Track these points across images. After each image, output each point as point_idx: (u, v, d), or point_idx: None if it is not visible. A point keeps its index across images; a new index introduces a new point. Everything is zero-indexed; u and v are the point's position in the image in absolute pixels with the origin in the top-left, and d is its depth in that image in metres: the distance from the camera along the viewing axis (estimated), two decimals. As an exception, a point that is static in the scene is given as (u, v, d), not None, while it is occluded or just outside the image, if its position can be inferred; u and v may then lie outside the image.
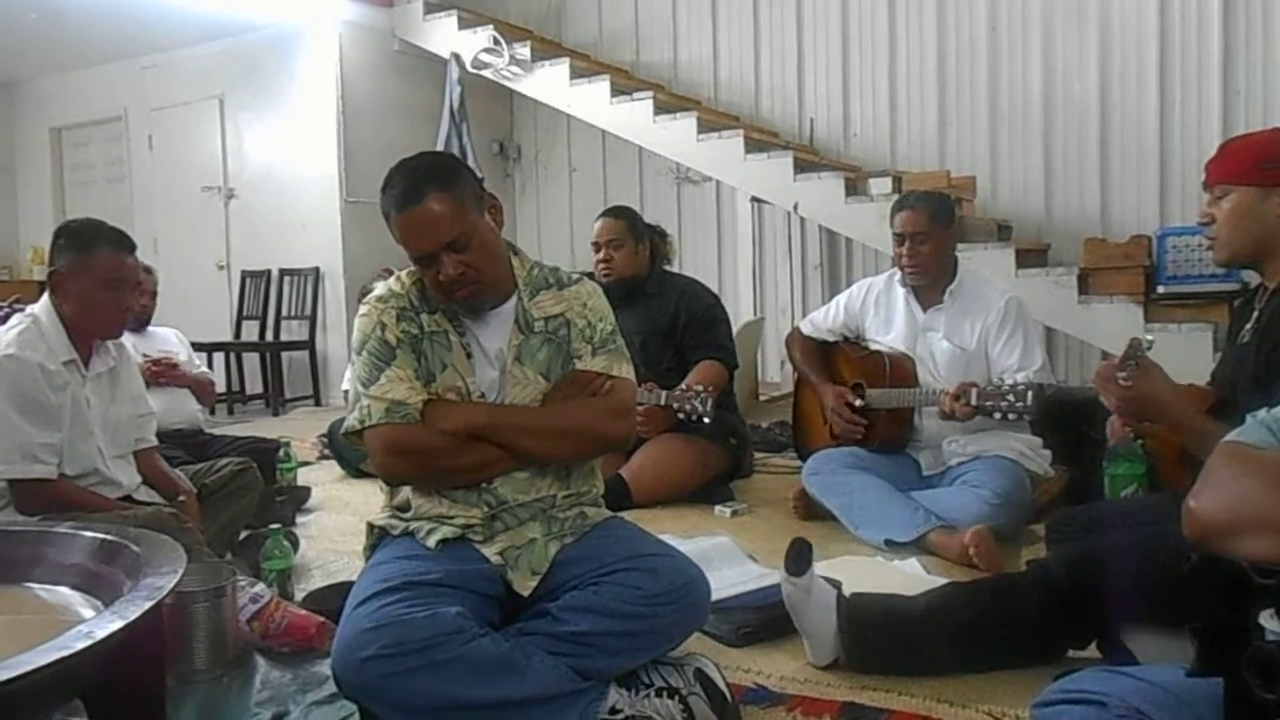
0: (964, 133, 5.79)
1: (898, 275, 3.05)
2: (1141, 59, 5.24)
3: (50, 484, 2.17)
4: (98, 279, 2.25)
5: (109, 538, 1.36)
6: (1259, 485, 1.07)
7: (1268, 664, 0.90)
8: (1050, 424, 2.96)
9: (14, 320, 2.29)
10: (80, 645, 1.01)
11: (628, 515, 2.09)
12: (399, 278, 1.87)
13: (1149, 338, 1.91)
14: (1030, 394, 2.59)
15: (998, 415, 2.64)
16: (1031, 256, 4.86)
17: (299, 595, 2.32)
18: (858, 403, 3.00)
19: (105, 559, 1.33)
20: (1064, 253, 5.18)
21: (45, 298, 2.29)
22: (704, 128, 5.46)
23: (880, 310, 3.11)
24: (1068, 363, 5.45)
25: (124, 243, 2.33)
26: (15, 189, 8.03)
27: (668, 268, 3.72)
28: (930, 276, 2.97)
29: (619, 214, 3.59)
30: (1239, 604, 0.94)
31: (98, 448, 2.30)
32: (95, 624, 1.07)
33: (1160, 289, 4.47)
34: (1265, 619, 0.92)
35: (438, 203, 1.73)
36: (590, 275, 2.11)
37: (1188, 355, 3.78)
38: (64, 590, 1.35)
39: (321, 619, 1.99)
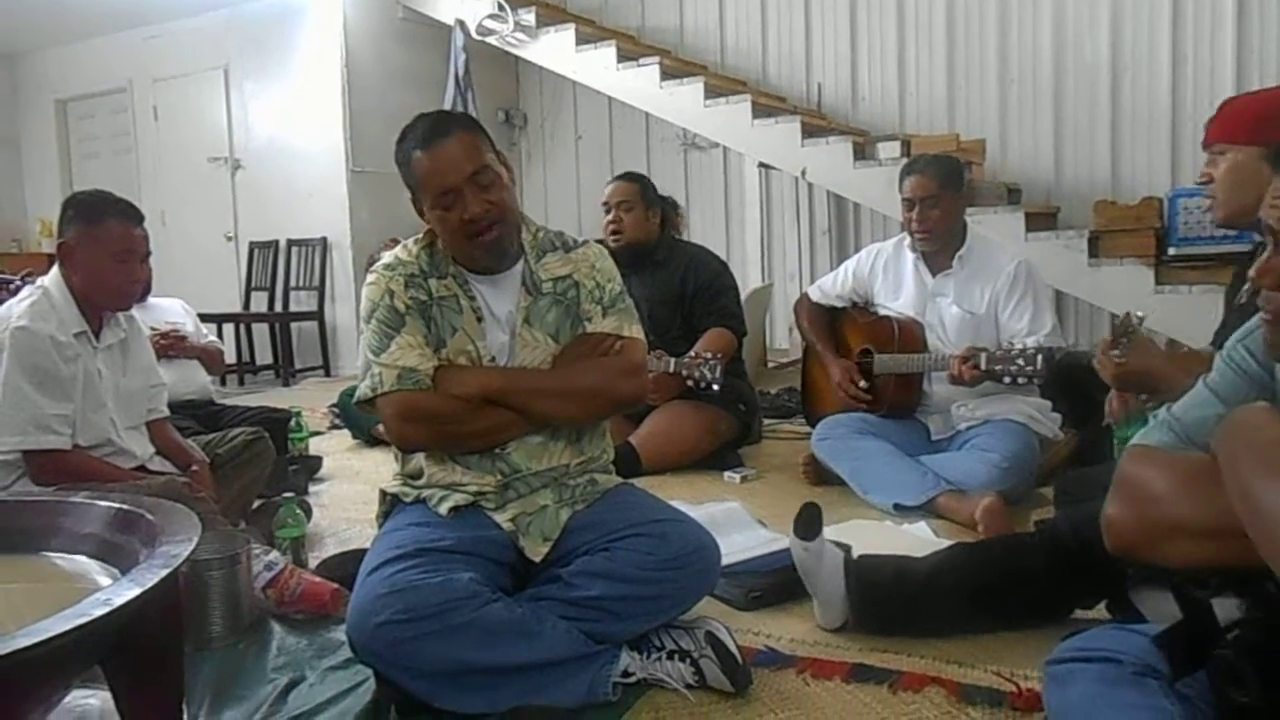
0: (973, 95, 5.73)
1: (906, 240, 3.03)
2: (1154, 18, 5.17)
3: (64, 455, 2.18)
4: (107, 250, 2.25)
5: (125, 507, 1.37)
6: (1166, 491, 1.06)
7: (1232, 669, 0.90)
8: (1059, 387, 2.95)
9: (25, 293, 2.29)
10: (99, 612, 1.03)
11: (638, 482, 2.10)
12: (405, 246, 1.87)
13: (1140, 313, 1.91)
14: (1040, 358, 2.58)
15: (1007, 380, 2.63)
16: (1041, 220, 4.82)
17: (312, 563, 2.34)
18: (862, 383, 3.00)
19: (121, 528, 1.34)
20: (1074, 216, 5.14)
21: (55, 270, 2.30)
22: (711, 93, 5.41)
23: (889, 276, 3.10)
24: (1077, 326, 5.43)
25: (132, 214, 2.33)
26: (21, 162, 8.02)
27: (677, 238, 3.71)
28: (939, 242, 2.95)
29: (632, 177, 3.60)
30: (1193, 611, 0.95)
31: (110, 419, 2.31)
32: (113, 591, 1.08)
33: (1171, 251, 4.43)
34: (1217, 606, 0.92)
35: (464, 135, 1.75)
36: (600, 242, 2.10)
37: (1199, 317, 3.74)
38: (81, 559, 1.36)
39: (335, 586, 2.01)
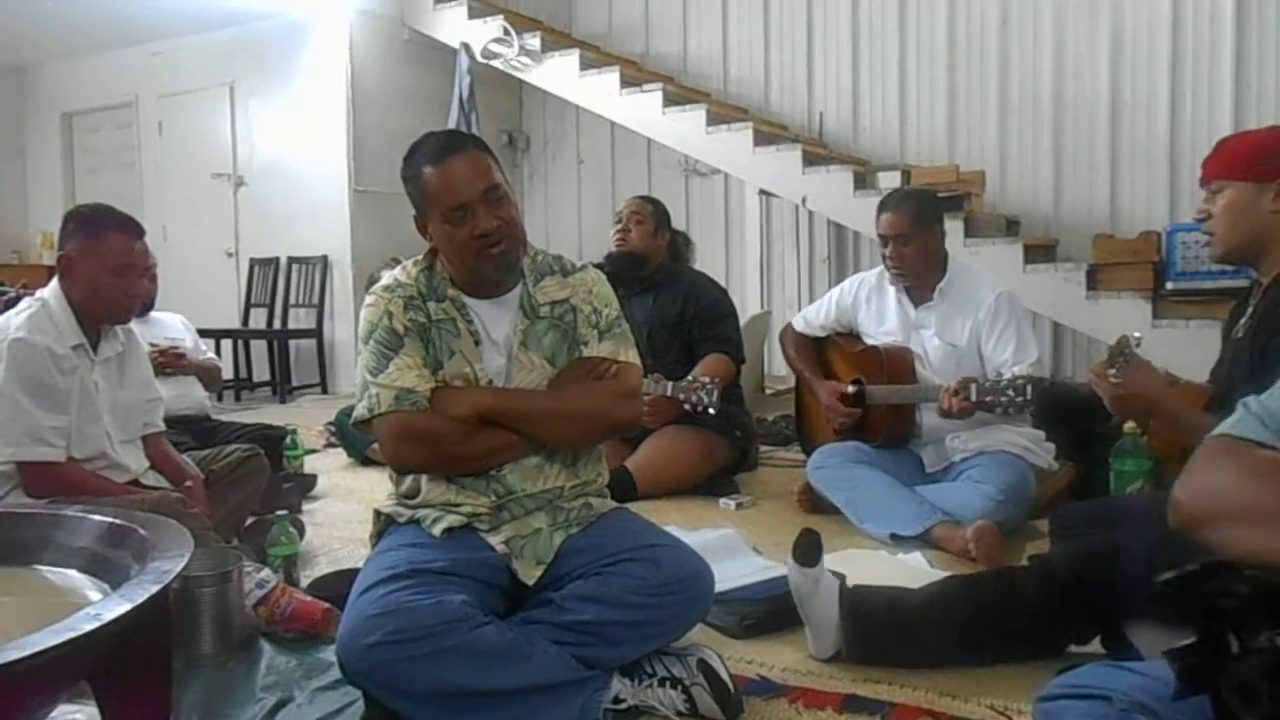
0: (973, 127, 5.78)
1: (887, 273, 3.05)
2: (1153, 54, 5.22)
3: (58, 467, 2.18)
4: (107, 264, 2.26)
5: (117, 521, 1.37)
6: (1236, 477, 1.07)
7: (1245, 685, 0.90)
8: (1055, 419, 2.95)
9: (23, 304, 2.30)
10: (88, 627, 1.02)
11: (633, 507, 2.09)
12: (405, 268, 1.88)
13: (1137, 334, 1.92)
14: (1030, 387, 2.59)
15: (998, 410, 2.64)
16: (1040, 252, 4.84)
17: (304, 582, 2.33)
18: (851, 389, 3.01)
19: (113, 542, 1.34)
20: (1073, 248, 5.17)
21: (54, 282, 2.30)
22: (713, 120, 5.45)
23: (872, 306, 3.11)
24: (1075, 359, 5.44)
25: (133, 228, 2.34)
26: (25, 173, 8.05)
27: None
28: (916, 278, 2.97)
29: (648, 198, 3.73)
30: (1211, 627, 0.94)
31: (106, 432, 2.30)
32: (103, 606, 1.07)
33: (1169, 285, 4.45)
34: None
35: (477, 154, 1.78)
36: (600, 267, 2.11)
37: (1197, 352, 3.76)
38: (72, 573, 1.35)
39: (327, 605, 2.00)
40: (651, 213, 3.58)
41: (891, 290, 3.05)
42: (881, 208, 2.99)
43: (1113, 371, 1.83)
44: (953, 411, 2.68)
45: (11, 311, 2.29)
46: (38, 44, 7.22)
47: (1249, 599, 0.92)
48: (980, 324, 2.89)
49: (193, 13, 6.32)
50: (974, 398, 2.64)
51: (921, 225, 2.91)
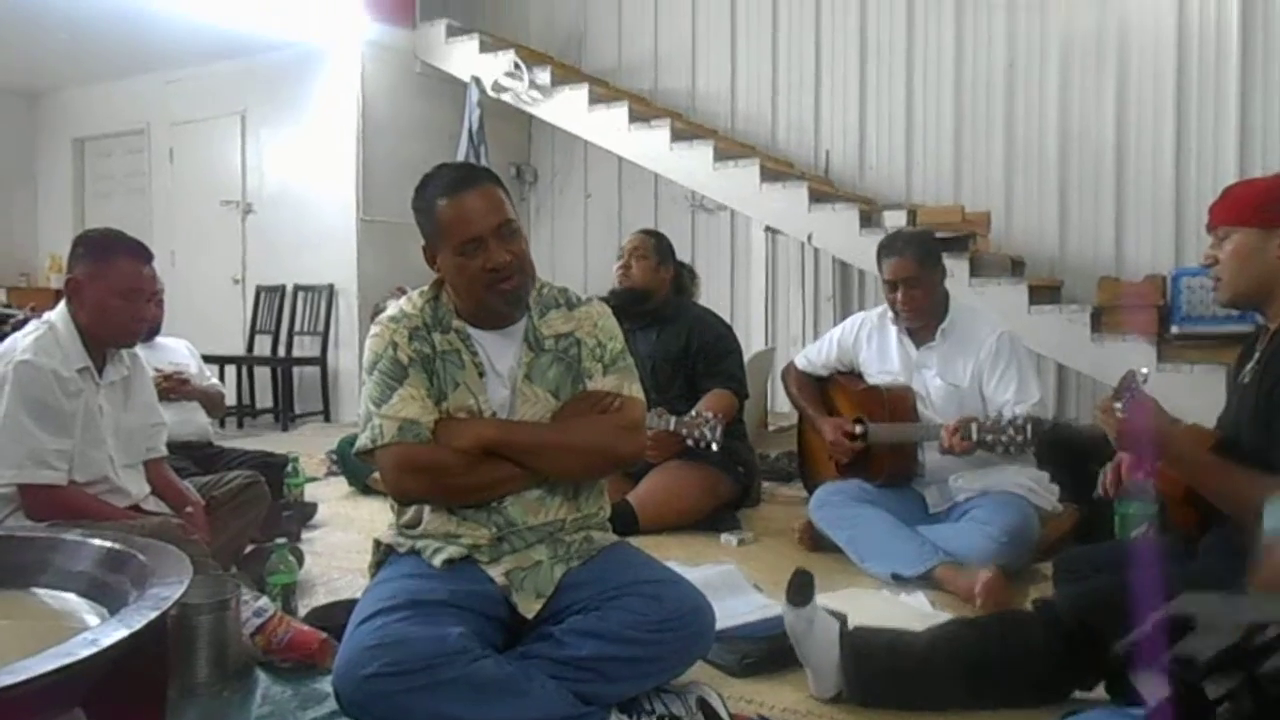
0: (979, 168, 5.81)
1: (890, 314, 3.05)
2: (1158, 99, 5.26)
3: (60, 490, 2.17)
4: (114, 288, 2.27)
5: (116, 546, 1.36)
6: None
7: None
8: (1060, 460, 2.95)
9: (30, 326, 2.30)
10: (84, 653, 1.01)
11: (634, 541, 2.08)
12: (410, 298, 1.88)
13: (1144, 370, 1.92)
14: (1030, 427, 2.59)
15: (999, 449, 2.64)
16: (1045, 293, 4.85)
17: (302, 611, 2.31)
18: (857, 429, 3.00)
19: (112, 567, 1.33)
20: (1077, 290, 5.17)
21: (62, 305, 2.31)
22: (720, 156, 5.49)
23: (873, 345, 3.12)
24: (1079, 401, 5.42)
25: (142, 253, 2.35)
26: (36, 198, 8.11)
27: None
28: (924, 319, 2.98)
29: (650, 232, 3.74)
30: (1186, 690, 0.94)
31: (108, 456, 2.30)
32: (100, 632, 1.07)
33: (1174, 329, 4.45)
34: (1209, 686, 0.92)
35: (490, 188, 1.79)
36: (605, 299, 2.11)
37: (1201, 397, 3.76)
38: (70, 597, 1.34)
39: (324, 635, 1.99)
40: (654, 247, 3.59)
41: (893, 330, 3.05)
42: (885, 252, 2.99)
43: (1118, 406, 1.83)
44: (953, 450, 2.67)
45: (19, 334, 2.29)
46: (53, 70, 7.30)
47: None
48: (982, 364, 2.89)
49: (207, 42, 6.38)
50: (974, 436, 2.64)
51: (928, 267, 2.93)
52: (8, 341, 2.28)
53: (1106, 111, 5.40)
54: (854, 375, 3.19)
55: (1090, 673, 1.82)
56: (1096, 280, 5.00)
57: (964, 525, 2.77)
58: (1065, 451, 2.85)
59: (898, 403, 2.95)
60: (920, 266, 2.91)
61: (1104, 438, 1.97)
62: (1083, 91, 5.48)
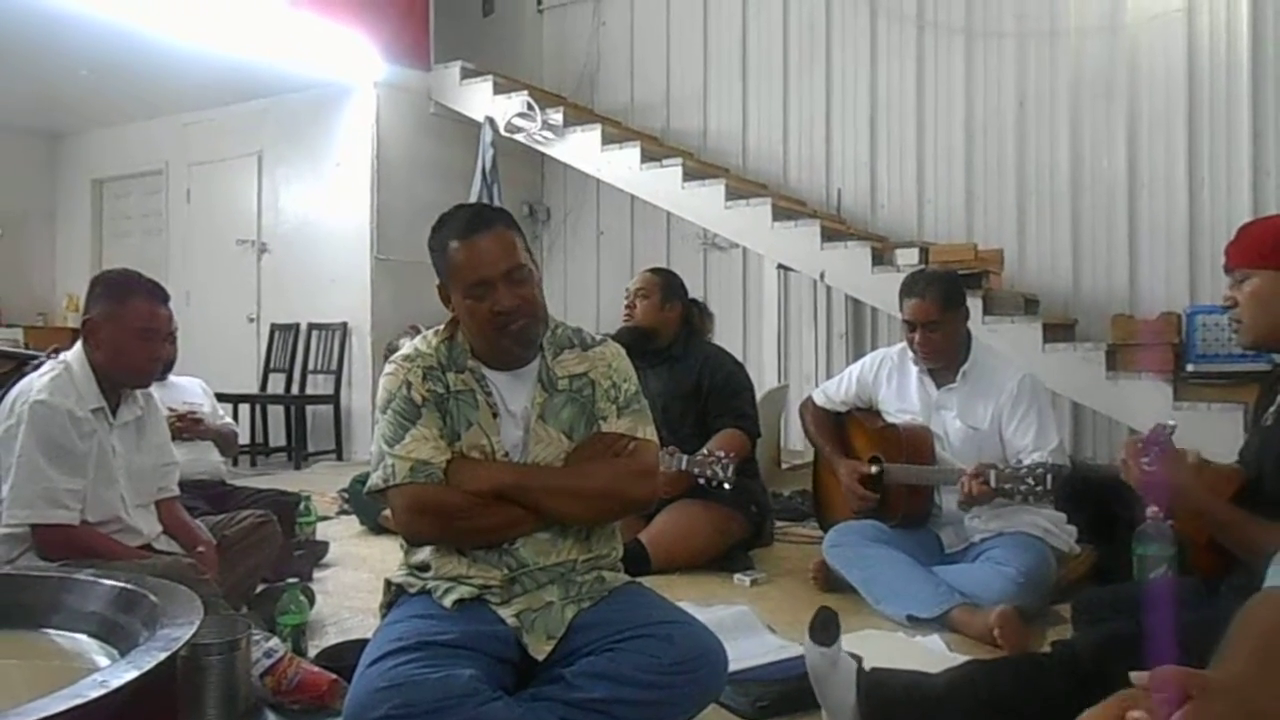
0: (991, 206, 5.82)
1: (910, 353, 3.04)
2: (1170, 137, 5.27)
3: (72, 530, 2.17)
4: (130, 328, 2.28)
5: (128, 586, 1.37)
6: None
7: None
8: (1077, 501, 2.92)
9: (46, 366, 2.32)
10: (94, 694, 1.01)
11: (646, 581, 2.07)
12: (425, 337, 1.89)
13: (1171, 423, 1.90)
14: (1049, 477, 2.56)
15: (1017, 498, 2.61)
16: (1059, 331, 4.84)
17: (313, 651, 2.30)
18: (873, 470, 2.98)
19: (124, 608, 1.33)
20: (1091, 328, 5.17)
21: (78, 345, 2.33)
22: (732, 195, 5.52)
23: (893, 384, 3.10)
24: (1095, 439, 5.39)
25: (158, 293, 2.37)
26: (55, 237, 8.21)
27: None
28: (943, 360, 2.96)
29: (657, 270, 3.74)
30: None
31: (120, 495, 2.31)
32: (110, 673, 1.07)
33: (1190, 367, 4.43)
34: None
35: (503, 232, 1.80)
36: (617, 336, 2.12)
37: (1217, 435, 3.73)
38: (81, 638, 1.35)
39: (334, 677, 1.97)
40: (659, 285, 3.59)
41: (914, 369, 3.03)
42: (906, 292, 2.96)
43: (1146, 460, 1.81)
44: (972, 494, 2.64)
45: (35, 374, 2.31)
46: (73, 113, 7.43)
47: None
48: (1002, 407, 2.86)
49: (224, 84, 6.49)
50: (993, 483, 2.62)
51: (949, 309, 2.90)
52: (24, 382, 2.29)
53: (1118, 147, 5.41)
54: (872, 412, 3.17)
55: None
56: (1111, 318, 4.99)
57: (980, 566, 2.74)
58: (1082, 493, 2.82)
59: (916, 443, 2.92)
60: (941, 310, 2.89)
61: (1121, 480, 1.95)
62: (1094, 128, 5.50)
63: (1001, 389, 2.88)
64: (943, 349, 2.93)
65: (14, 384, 2.40)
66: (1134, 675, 1.01)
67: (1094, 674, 1.75)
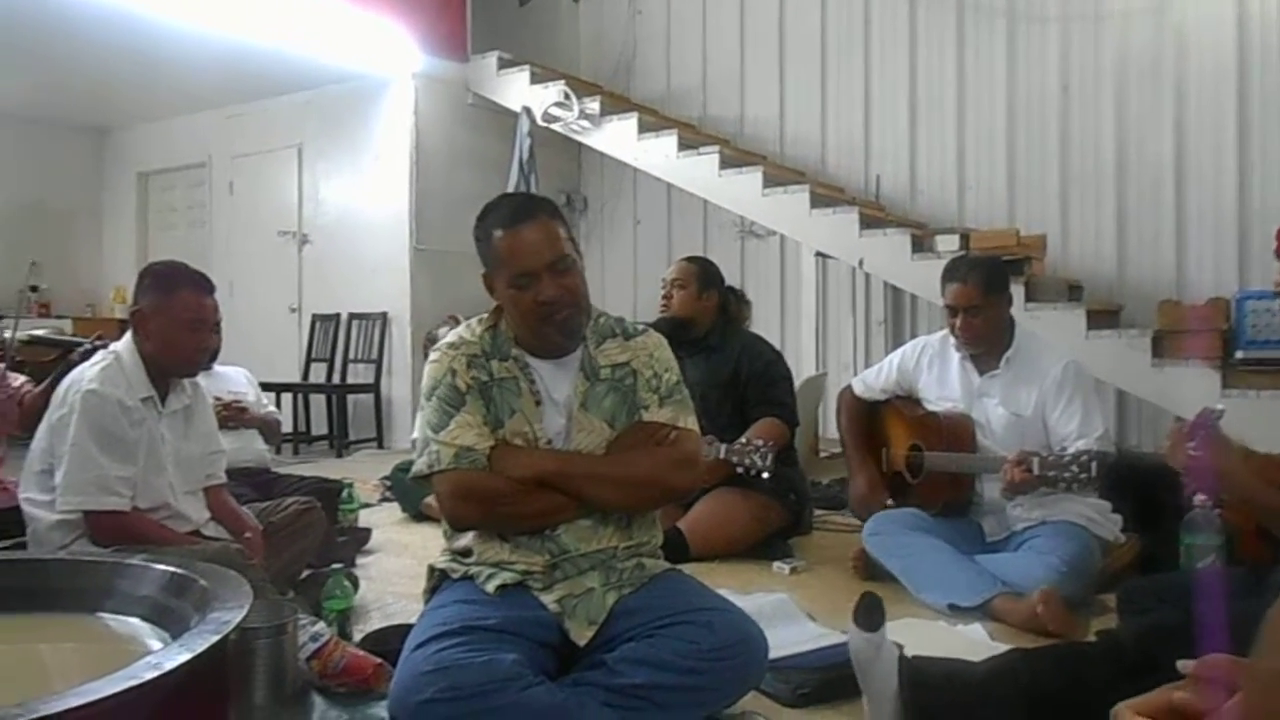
0: (1034, 190, 5.74)
1: (952, 339, 3.01)
2: (1219, 119, 5.15)
3: (123, 516, 2.22)
4: (178, 319, 2.33)
5: (179, 571, 1.39)
6: None
7: None
8: (1122, 489, 2.87)
9: (97, 357, 2.37)
10: (148, 676, 1.03)
11: (684, 569, 2.08)
12: (469, 325, 1.91)
13: (1219, 407, 1.87)
14: (1094, 464, 2.52)
15: (1061, 486, 2.57)
16: (1103, 318, 4.77)
17: (357, 636, 2.33)
18: (905, 457, 2.96)
19: (175, 592, 1.36)
20: (1137, 315, 5.08)
21: (127, 336, 2.37)
22: (769, 182, 5.49)
23: (934, 371, 3.06)
24: (1140, 427, 5.31)
25: (204, 285, 2.41)
26: (102, 230, 8.36)
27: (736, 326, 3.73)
28: (985, 346, 2.92)
29: (693, 259, 3.72)
30: None
31: (169, 483, 2.35)
32: (163, 655, 1.09)
33: (1239, 354, 4.34)
34: None
35: (547, 222, 1.81)
36: (655, 327, 2.12)
37: (1267, 423, 3.66)
38: (134, 621, 1.38)
39: (379, 660, 2.00)
40: (695, 274, 3.58)
41: (955, 356, 3.00)
42: (948, 277, 2.94)
43: (1192, 445, 1.78)
44: (1015, 482, 2.61)
45: (85, 364, 2.36)
46: (118, 107, 7.56)
47: None
48: (1046, 394, 2.82)
49: (266, 78, 6.56)
50: (1037, 471, 2.58)
51: (991, 295, 2.87)
52: (75, 372, 2.34)
53: (1165, 130, 5.31)
54: (912, 401, 3.14)
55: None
56: (1157, 304, 4.90)
57: (1023, 555, 2.71)
58: (1128, 481, 2.78)
59: (957, 431, 2.90)
60: (984, 295, 2.86)
61: (1168, 466, 1.92)
62: (1140, 110, 5.39)
63: (1046, 375, 2.84)
64: (984, 334, 2.89)
65: (64, 373, 2.47)
66: (1182, 664, 0.99)
67: (1139, 664, 1.73)
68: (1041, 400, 2.83)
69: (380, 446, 6.51)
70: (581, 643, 1.73)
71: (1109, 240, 5.48)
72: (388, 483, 4.50)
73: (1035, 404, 2.84)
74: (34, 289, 7.03)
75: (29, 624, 1.41)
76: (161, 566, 1.42)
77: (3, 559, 1.65)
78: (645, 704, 1.63)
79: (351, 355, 6.72)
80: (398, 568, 3.26)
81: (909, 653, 1.90)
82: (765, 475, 3.05)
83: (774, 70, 6.71)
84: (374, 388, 6.55)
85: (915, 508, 2.95)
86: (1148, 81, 5.36)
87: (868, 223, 5.21)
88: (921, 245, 5.06)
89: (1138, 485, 2.83)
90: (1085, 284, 5.28)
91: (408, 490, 4.09)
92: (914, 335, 5.76)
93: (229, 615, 1.20)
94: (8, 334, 2.69)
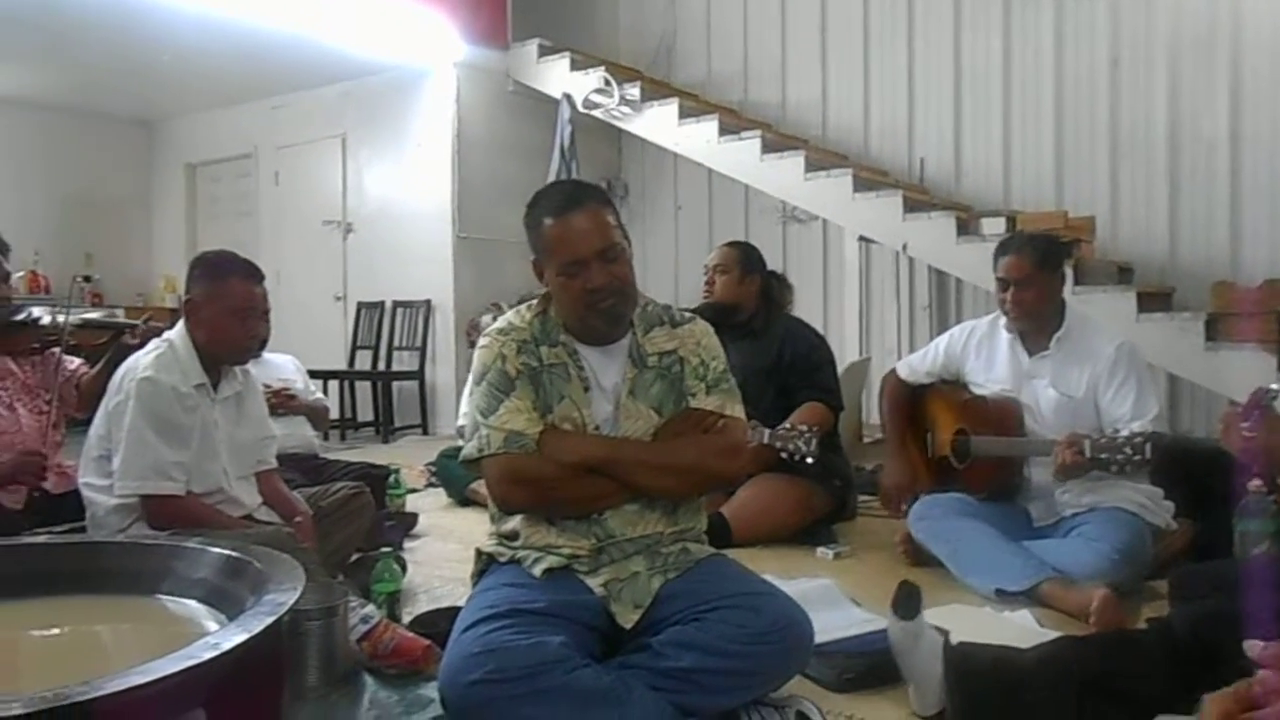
0: (1082, 171, 5.63)
1: (1002, 320, 2.97)
2: (1277, 90, 5.01)
3: (179, 501, 2.27)
4: (229, 307, 2.37)
5: (234, 554, 1.42)
6: None
7: None
8: (1174, 475, 2.82)
9: (151, 345, 2.42)
10: (207, 655, 1.05)
11: (728, 554, 2.08)
12: (519, 311, 1.93)
13: (1275, 386, 1.83)
14: (1148, 445, 2.47)
15: (1114, 468, 2.53)
16: (1155, 300, 4.67)
17: (406, 619, 2.37)
18: (955, 463, 2.93)
19: (230, 574, 1.39)
20: (1190, 297, 4.97)
21: (180, 324, 2.42)
22: (812, 166, 5.45)
23: (982, 354, 3.03)
24: (1193, 412, 5.20)
25: (254, 273, 2.45)
26: (151, 221, 8.52)
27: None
28: (1034, 323, 2.88)
29: (734, 244, 3.72)
30: None
31: (223, 468, 2.40)
32: (221, 635, 1.11)
33: (1297, 336, 4.23)
34: None
35: (597, 210, 1.81)
36: (698, 313, 2.13)
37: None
38: (191, 603, 1.41)
39: (428, 642, 2.03)
40: (737, 259, 3.57)
41: (1004, 338, 2.96)
42: (1002, 250, 2.92)
43: (1246, 425, 1.75)
44: (1066, 464, 2.58)
45: (140, 352, 2.41)
46: (166, 100, 7.69)
47: None
48: (1099, 375, 2.77)
49: (310, 69, 6.63)
50: (1089, 453, 2.54)
51: (1044, 270, 2.83)
52: (130, 359, 2.39)
53: (1220, 107, 5.17)
54: (958, 385, 3.11)
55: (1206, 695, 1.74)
56: (1210, 286, 4.79)
57: (1072, 541, 2.67)
58: (1180, 466, 2.73)
59: (1003, 415, 2.86)
60: (1036, 268, 2.82)
61: (1221, 452, 1.89)
62: (1194, 86, 5.26)
63: (1099, 356, 2.78)
64: (1034, 310, 2.85)
65: (118, 354, 2.53)
66: (1249, 644, 0.98)
67: (1191, 652, 1.71)
68: (1094, 381, 2.78)
69: (424, 433, 6.58)
70: (627, 626, 1.74)
71: (1160, 220, 5.37)
72: (433, 469, 4.55)
73: (1087, 385, 2.79)
74: (87, 279, 7.18)
75: (89, 606, 1.44)
76: (217, 549, 1.45)
77: (63, 542, 1.70)
78: (691, 687, 1.63)
79: (396, 343, 6.79)
80: (444, 552, 3.30)
81: (954, 639, 1.90)
82: (809, 460, 3.04)
83: (816, 53, 6.65)
84: (418, 374, 6.61)
85: (961, 493, 2.92)
86: (1202, 53, 5.22)
87: (912, 206, 5.15)
88: (967, 228, 4.99)
89: (1190, 470, 2.78)
90: (1136, 266, 5.18)
91: (453, 476, 4.13)
92: (959, 320, 5.70)
93: (283, 597, 1.22)
94: (61, 318, 2.74)
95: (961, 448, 2.96)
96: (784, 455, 3.08)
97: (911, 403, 3.24)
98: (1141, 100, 5.42)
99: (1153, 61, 5.38)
